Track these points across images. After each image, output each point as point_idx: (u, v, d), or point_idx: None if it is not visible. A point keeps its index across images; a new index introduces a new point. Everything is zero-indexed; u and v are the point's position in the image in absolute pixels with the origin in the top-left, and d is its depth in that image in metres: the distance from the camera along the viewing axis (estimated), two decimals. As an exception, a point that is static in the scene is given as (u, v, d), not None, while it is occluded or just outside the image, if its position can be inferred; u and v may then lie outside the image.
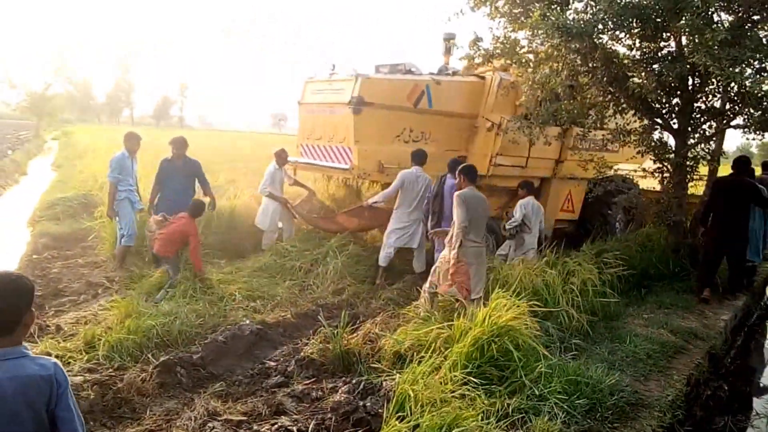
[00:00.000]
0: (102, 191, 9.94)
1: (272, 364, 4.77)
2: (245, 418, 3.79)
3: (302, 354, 4.75)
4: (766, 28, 6.92)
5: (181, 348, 4.81)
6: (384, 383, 4.01)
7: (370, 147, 7.78)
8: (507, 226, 7.33)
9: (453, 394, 3.58)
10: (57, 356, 4.38)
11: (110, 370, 4.28)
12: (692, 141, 8.01)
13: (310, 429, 3.28)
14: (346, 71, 8.23)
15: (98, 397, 3.89)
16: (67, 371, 4.10)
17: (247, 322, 5.40)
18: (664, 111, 8.02)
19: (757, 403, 5.41)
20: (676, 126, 8.00)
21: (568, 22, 6.83)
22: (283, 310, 6.05)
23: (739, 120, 7.77)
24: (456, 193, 5.56)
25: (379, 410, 3.66)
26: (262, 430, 3.48)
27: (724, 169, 8.64)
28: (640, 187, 10.52)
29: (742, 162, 7.42)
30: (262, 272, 7.09)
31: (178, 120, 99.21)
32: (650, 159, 8.64)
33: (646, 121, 8.25)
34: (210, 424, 3.56)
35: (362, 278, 7.34)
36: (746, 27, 6.88)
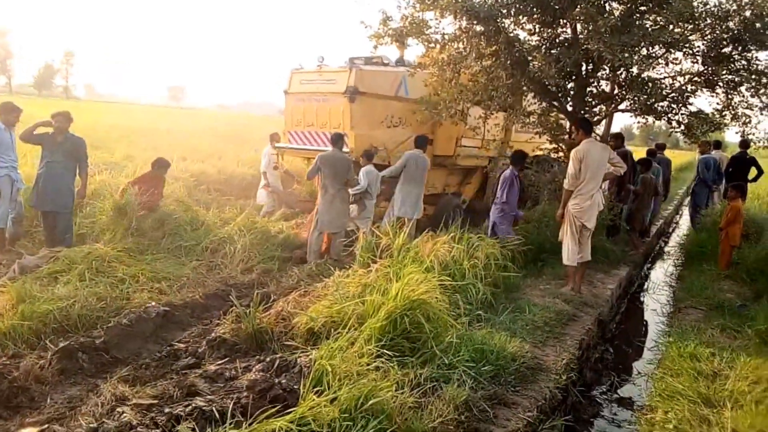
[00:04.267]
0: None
1: (181, 345, 4.64)
2: (156, 401, 3.67)
3: (213, 334, 4.66)
4: (651, 18, 7.47)
5: (82, 333, 4.57)
6: (299, 360, 4.04)
7: (364, 132, 8.69)
8: (352, 192, 7.81)
9: (368, 367, 3.67)
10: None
11: (4, 358, 3.99)
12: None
13: (229, 409, 3.23)
14: (338, 63, 9.15)
15: (-9, 388, 3.63)
16: (-45, 362, 3.82)
17: (153, 304, 5.21)
18: (560, 94, 8.48)
19: (638, 364, 5.96)
20: (570, 109, 8.50)
21: (475, 5, 7.04)
22: (191, 290, 5.90)
23: (626, 104, 8.40)
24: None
25: (295, 386, 3.67)
26: (176, 411, 3.39)
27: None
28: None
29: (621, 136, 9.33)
30: (167, 253, 6.83)
31: (63, 90, 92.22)
32: (547, 140, 9.17)
33: (544, 104, 8.70)
34: (119, 409, 3.43)
35: (271, 256, 7.27)
36: (635, 17, 7.41)
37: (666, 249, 11.95)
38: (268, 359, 4.13)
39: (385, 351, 3.89)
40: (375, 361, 3.77)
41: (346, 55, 9.59)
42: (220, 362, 4.27)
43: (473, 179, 10.78)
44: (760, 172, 11.34)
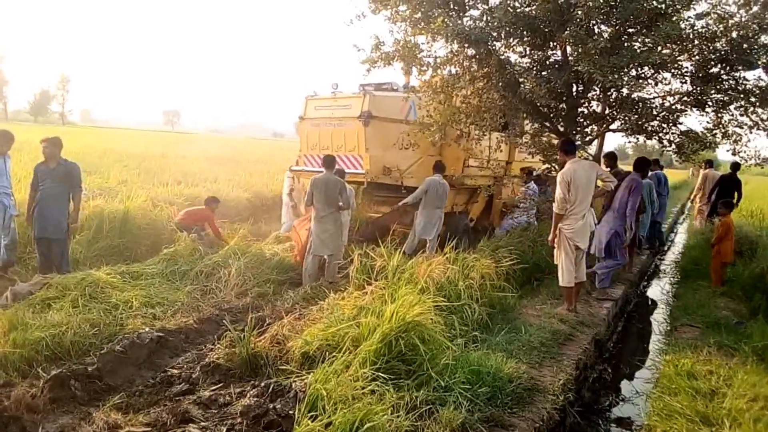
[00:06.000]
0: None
1: (175, 371, 4.60)
2: (149, 429, 3.64)
3: (207, 360, 4.62)
4: (640, 39, 7.58)
5: (75, 360, 4.53)
6: (293, 384, 4.00)
7: (377, 154, 9.20)
8: None
9: (363, 391, 3.64)
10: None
11: (-6, 387, 3.95)
12: (577, 143, 8.62)
13: (221, 435, 3.20)
14: (352, 90, 9.77)
15: (-19, 418, 3.58)
16: (-55, 391, 3.77)
17: (146, 329, 5.17)
18: (551, 115, 8.56)
19: (636, 383, 5.93)
20: (562, 129, 8.57)
21: (466, 28, 7.14)
22: (185, 315, 5.85)
23: (617, 124, 8.49)
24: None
25: (290, 411, 3.64)
26: (169, 439, 3.36)
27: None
28: None
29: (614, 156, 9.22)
30: (161, 277, 6.80)
31: (59, 116, 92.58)
32: (540, 160, 9.23)
33: (536, 125, 8.78)
34: (111, 438, 3.39)
35: (266, 279, 7.25)
36: (623, 39, 7.52)
37: (662, 267, 11.95)
38: (262, 384, 4.10)
39: (380, 374, 3.87)
40: (370, 385, 3.74)
41: (338, 79, 10.01)
42: (214, 388, 4.23)
43: (479, 198, 11.11)
44: (740, 196, 11.64)
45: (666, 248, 14.53)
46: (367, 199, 10.36)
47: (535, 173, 10.75)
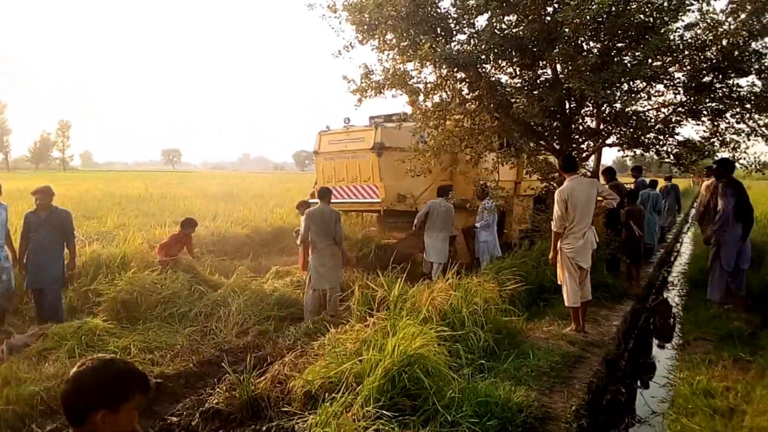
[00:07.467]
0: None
1: (174, 419, 4.46)
2: (146, 483, 3.49)
3: (207, 405, 4.48)
4: (629, 54, 7.57)
5: (71, 414, 4.39)
6: (296, 427, 3.87)
7: (392, 182, 9.65)
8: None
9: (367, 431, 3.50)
10: None
11: (-15, 448, 3.82)
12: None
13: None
14: (363, 123, 10.31)
15: (-28, 482, 3.44)
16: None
17: (145, 376, 5.03)
18: (546, 133, 8.51)
19: (651, 402, 5.74)
20: (558, 147, 8.51)
21: (454, 53, 7.14)
22: (184, 359, 5.72)
23: (612, 138, 8.42)
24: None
25: (292, 457, 3.51)
26: (166, 495, 3.22)
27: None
28: None
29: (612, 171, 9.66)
30: (160, 321, 6.68)
31: (60, 162, 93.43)
32: (537, 178, 9.15)
33: (531, 144, 8.72)
34: (106, 497, 3.24)
35: (267, 316, 7.12)
36: (612, 54, 7.50)
37: (669, 279, 11.78)
38: (263, 429, 3.97)
39: (384, 412, 3.72)
40: (374, 424, 3.59)
41: (338, 110, 10.50)
42: (214, 436, 4.09)
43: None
44: None
45: (673, 259, 14.38)
46: (381, 226, 10.47)
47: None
